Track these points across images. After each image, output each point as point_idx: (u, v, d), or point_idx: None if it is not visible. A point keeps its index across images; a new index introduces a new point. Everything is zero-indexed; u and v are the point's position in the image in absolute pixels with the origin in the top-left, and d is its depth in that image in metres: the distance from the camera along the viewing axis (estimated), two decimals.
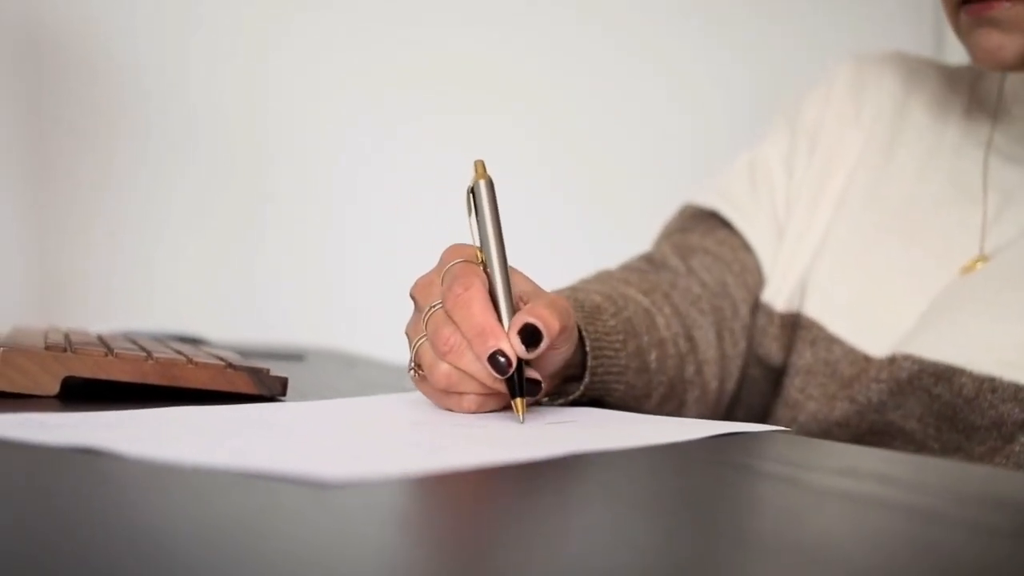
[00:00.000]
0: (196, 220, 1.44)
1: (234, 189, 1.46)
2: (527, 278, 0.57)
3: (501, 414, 0.54)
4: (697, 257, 0.80)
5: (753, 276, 0.80)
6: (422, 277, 0.56)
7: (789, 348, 0.78)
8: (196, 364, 0.56)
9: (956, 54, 0.74)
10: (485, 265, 0.54)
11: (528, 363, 0.52)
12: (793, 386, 0.75)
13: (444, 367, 0.53)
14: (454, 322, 0.52)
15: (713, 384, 0.75)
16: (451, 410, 0.54)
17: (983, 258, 0.70)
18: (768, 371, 0.79)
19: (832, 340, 0.74)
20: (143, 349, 0.60)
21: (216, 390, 0.56)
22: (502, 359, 0.50)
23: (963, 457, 0.64)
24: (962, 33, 0.69)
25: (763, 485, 0.40)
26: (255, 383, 0.58)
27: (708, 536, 0.30)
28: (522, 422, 0.51)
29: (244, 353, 0.77)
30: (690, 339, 0.74)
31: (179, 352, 0.61)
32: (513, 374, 0.51)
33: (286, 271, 1.48)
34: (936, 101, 0.80)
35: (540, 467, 0.39)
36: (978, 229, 0.72)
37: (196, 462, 0.35)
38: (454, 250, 0.55)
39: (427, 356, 0.53)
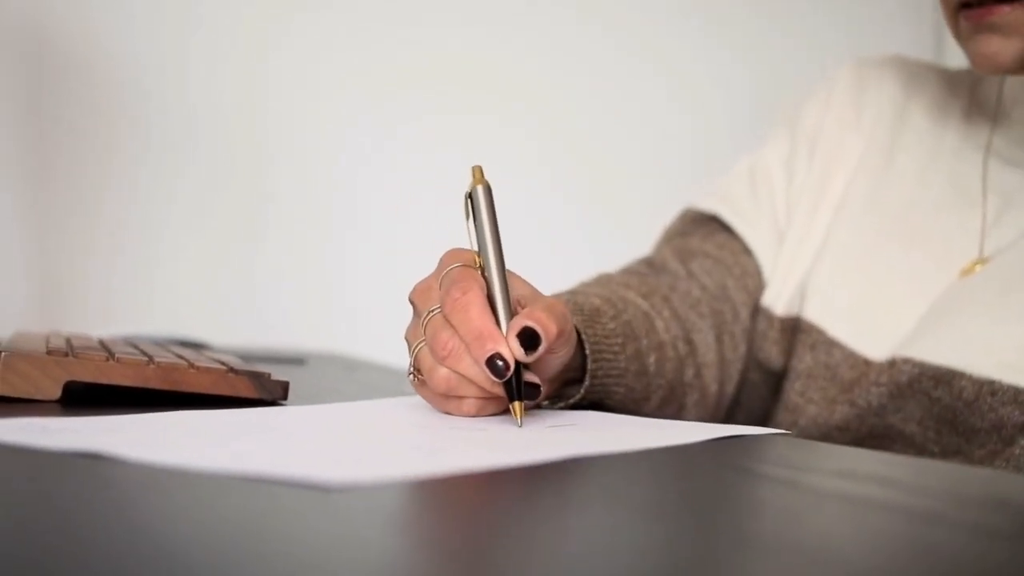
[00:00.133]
0: (196, 220, 1.44)
1: (234, 190, 1.46)
2: (525, 282, 0.57)
3: (501, 417, 0.54)
4: (697, 261, 0.80)
5: (753, 280, 0.80)
6: (421, 282, 0.57)
7: (789, 352, 0.78)
8: (197, 368, 0.56)
9: (956, 55, 0.74)
10: (483, 269, 0.54)
11: (527, 367, 0.53)
12: (793, 390, 0.75)
13: (443, 371, 0.53)
14: (452, 326, 0.52)
15: (713, 387, 0.75)
16: (451, 414, 0.54)
17: (982, 261, 0.70)
18: (768, 375, 0.79)
19: (832, 344, 0.74)
20: (144, 353, 0.60)
21: (217, 394, 0.56)
22: (500, 363, 0.51)
23: (963, 460, 0.64)
24: (961, 38, 0.69)
25: (763, 487, 0.40)
26: (256, 387, 0.58)
27: (709, 538, 0.30)
28: (520, 426, 0.51)
29: (245, 357, 0.77)
30: (689, 342, 0.74)
31: (180, 356, 0.61)
32: (511, 378, 0.51)
33: (286, 274, 1.48)
34: (936, 105, 0.80)
35: (540, 470, 0.40)
36: (977, 232, 0.72)
37: (198, 466, 0.35)
38: (452, 254, 0.55)
39: (426, 360, 0.54)
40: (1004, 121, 0.74)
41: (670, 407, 0.71)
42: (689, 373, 0.73)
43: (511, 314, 0.53)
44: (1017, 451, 0.61)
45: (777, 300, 0.78)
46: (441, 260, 0.56)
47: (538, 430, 0.51)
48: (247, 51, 1.46)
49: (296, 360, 1.04)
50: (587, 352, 0.61)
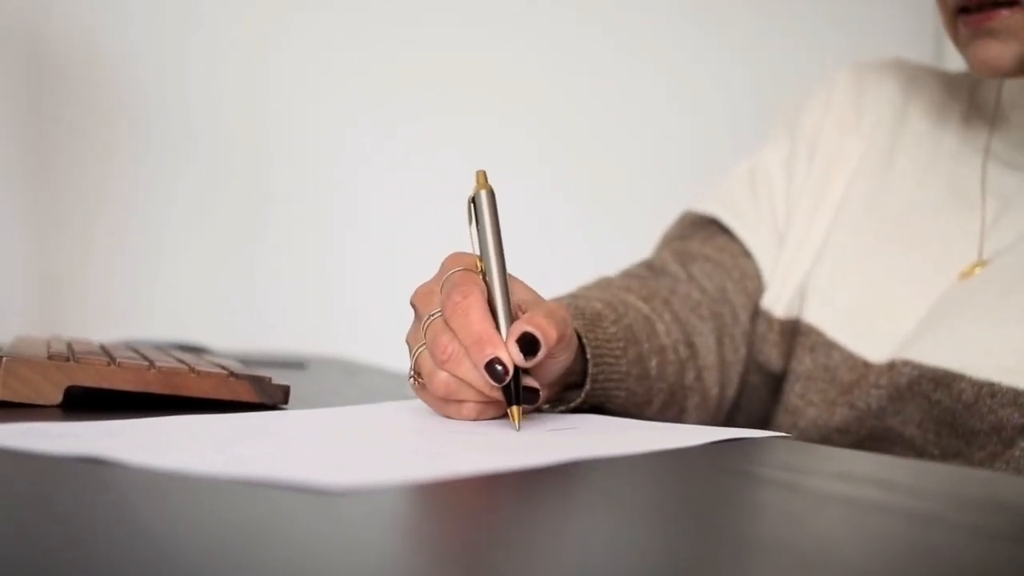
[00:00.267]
0: (196, 221, 1.44)
1: (234, 190, 1.46)
2: (527, 287, 0.57)
3: (502, 421, 0.54)
4: (697, 264, 0.80)
5: (753, 282, 0.80)
6: (422, 285, 0.57)
7: (789, 354, 0.78)
8: (198, 373, 0.56)
9: (956, 57, 0.74)
10: (484, 274, 0.54)
11: (527, 371, 0.53)
12: (793, 392, 0.75)
13: (443, 375, 0.53)
14: (452, 330, 0.52)
15: (713, 390, 0.75)
16: (451, 418, 0.54)
17: (982, 263, 0.70)
18: (768, 378, 0.79)
19: (832, 346, 0.74)
20: (145, 358, 0.60)
21: (218, 399, 0.56)
22: (499, 367, 0.51)
23: (963, 462, 0.64)
24: (960, 43, 0.69)
25: (763, 490, 0.40)
26: (257, 392, 0.58)
27: (709, 541, 0.30)
28: (518, 430, 0.51)
29: (246, 361, 0.77)
30: (690, 345, 0.74)
31: (181, 361, 0.61)
32: (510, 382, 0.51)
33: (286, 275, 1.48)
34: (935, 108, 0.80)
35: (541, 473, 0.40)
36: (977, 235, 0.72)
37: (198, 470, 0.35)
38: (454, 258, 0.55)
39: (426, 364, 0.54)
40: (1003, 124, 0.74)
41: (671, 410, 0.71)
42: (690, 376, 0.73)
43: (511, 319, 0.53)
44: (1017, 453, 0.61)
45: (777, 302, 0.78)
46: (443, 264, 0.56)
47: (539, 434, 0.51)
48: (247, 51, 1.46)
49: (297, 364, 1.04)
50: (588, 356, 0.61)
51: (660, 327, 0.71)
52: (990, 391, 0.62)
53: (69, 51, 1.36)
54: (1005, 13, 0.65)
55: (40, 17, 1.35)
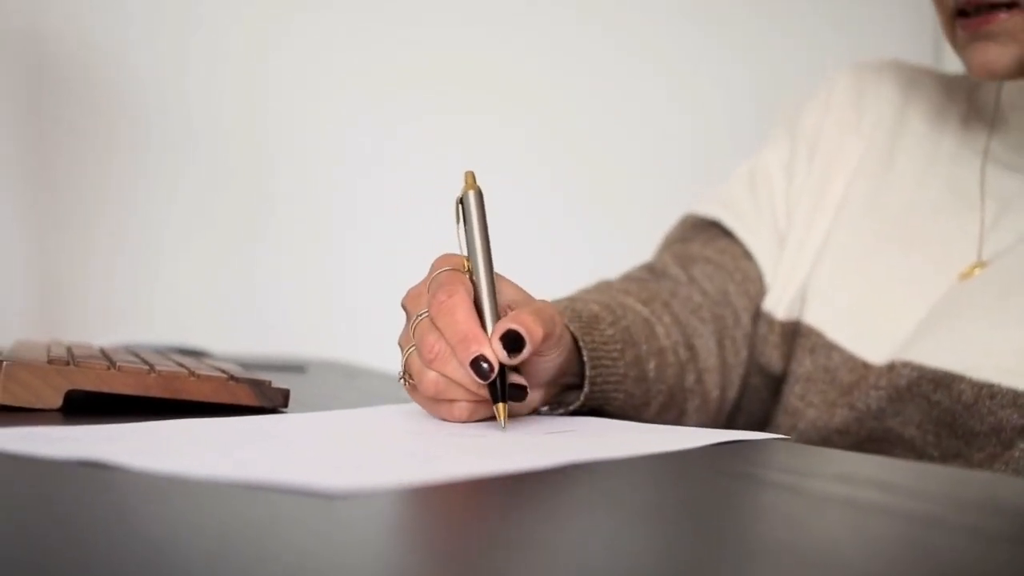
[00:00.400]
0: (196, 222, 1.44)
1: (234, 190, 1.46)
2: (517, 287, 0.57)
3: (499, 423, 0.54)
4: (698, 266, 0.80)
5: (754, 285, 0.80)
6: (413, 287, 0.57)
7: (789, 356, 0.78)
8: (198, 377, 0.56)
9: (954, 57, 0.74)
10: (472, 273, 0.54)
11: (517, 370, 0.53)
12: (793, 393, 0.75)
13: (431, 375, 0.53)
14: (439, 329, 0.52)
15: (714, 393, 0.75)
16: (444, 418, 0.54)
17: (981, 265, 0.70)
18: (769, 379, 0.79)
19: (831, 347, 0.74)
20: (145, 362, 0.60)
21: (218, 402, 0.57)
22: (484, 365, 0.51)
23: (962, 463, 0.64)
24: (958, 46, 0.69)
25: (763, 493, 0.40)
26: (257, 395, 0.58)
27: (709, 544, 0.30)
28: (504, 428, 0.51)
29: (246, 365, 0.77)
30: (690, 348, 0.74)
31: (181, 365, 0.61)
32: (496, 379, 0.51)
33: (286, 277, 1.48)
34: (934, 109, 0.80)
35: (540, 476, 0.40)
36: (976, 236, 0.72)
37: (198, 474, 0.35)
38: (442, 259, 0.56)
39: (415, 364, 0.54)
40: (1002, 126, 0.74)
41: (671, 413, 0.71)
42: (690, 378, 0.73)
43: (498, 317, 0.53)
44: (1016, 454, 0.61)
45: (778, 305, 0.78)
46: (432, 265, 0.56)
47: (537, 436, 0.51)
48: (247, 51, 1.46)
49: (296, 367, 1.04)
50: (585, 359, 0.61)
51: (659, 329, 0.71)
52: (990, 392, 0.62)
53: (69, 51, 1.36)
54: (1003, 16, 0.65)
55: (40, 17, 1.35)
